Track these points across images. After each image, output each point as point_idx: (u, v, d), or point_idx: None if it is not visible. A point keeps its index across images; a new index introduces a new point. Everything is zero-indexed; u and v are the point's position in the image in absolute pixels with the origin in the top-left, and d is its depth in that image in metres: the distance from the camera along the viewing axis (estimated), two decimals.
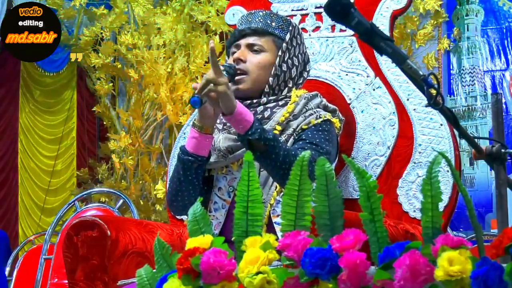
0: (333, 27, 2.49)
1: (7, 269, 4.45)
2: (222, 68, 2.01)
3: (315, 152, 1.95)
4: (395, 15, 2.42)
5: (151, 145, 6.06)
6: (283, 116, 2.06)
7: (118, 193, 4.41)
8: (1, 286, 4.24)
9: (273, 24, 2.13)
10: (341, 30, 2.46)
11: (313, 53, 2.48)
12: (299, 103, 2.09)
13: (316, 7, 2.51)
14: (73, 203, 3.95)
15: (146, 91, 5.98)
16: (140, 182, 5.95)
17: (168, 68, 5.76)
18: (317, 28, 2.51)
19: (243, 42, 2.13)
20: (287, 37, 2.13)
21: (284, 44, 2.12)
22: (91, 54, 6.11)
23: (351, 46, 2.44)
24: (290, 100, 2.10)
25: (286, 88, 2.13)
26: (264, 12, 2.16)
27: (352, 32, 2.39)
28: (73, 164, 7.16)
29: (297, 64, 2.15)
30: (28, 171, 7.19)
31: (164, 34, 5.78)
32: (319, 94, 2.18)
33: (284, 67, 2.12)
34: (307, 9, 2.53)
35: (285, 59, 2.12)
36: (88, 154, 7.09)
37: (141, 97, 6.04)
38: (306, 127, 2.05)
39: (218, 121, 2.12)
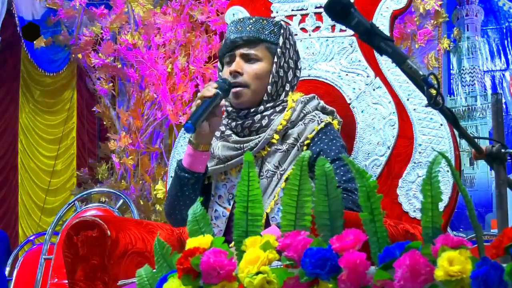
0: (333, 27, 2.48)
1: (7, 269, 4.44)
2: (215, 84, 2.00)
3: (343, 168, 1.98)
4: (395, 15, 2.42)
5: (151, 145, 6.06)
6: (281, 124, 2.04)
7: (118, 193, 4.40)
8: (1, 286, 4.24)
9: (265, 30, 2.09)
10: (341, 30, 2.46)
11: (313, 53, 2.47)
12: (296, 108, 2.07)
13: (316, 7, 2.51)
14: (73, 203, 3.95)
15: (146, 91, 5.98)
16: (140, 182, 5.96)
17: (168, 68, 5.76)
18: (317, 28, 2.51)
19: (237, 52, 2.08)
20: (280, 41, 2.10)
21: (279, 50, 2.09)
22: (91, 54, 6.10)
23: (351, 46, 2.44)
24: (287, 105, 2.08)
25: (284, 92, 2.11)
26: (254, 19, 2.12)
27: (352, 32, 2.38)
28: (73, 164, 7.16)
29: (292, 66, 2.13)
30: (28, 171, 7.20)
31: (164, 34, 5.78)
32: (316, 96, 2.17)
33: (281, 73, 2.10)
34: (307, 9, 2.53)
35: (281, 64, 2.10)
36: (88, 154, 7.09)
37: (141, 97, 6.04)
38: (311, 136, 2.04)
39: None
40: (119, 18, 6.04)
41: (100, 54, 6.05)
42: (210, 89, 1.98)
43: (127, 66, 6.06)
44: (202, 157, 2.02)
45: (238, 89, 2.05)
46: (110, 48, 6.05)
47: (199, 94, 1.99)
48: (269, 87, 2.08)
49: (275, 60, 2.09)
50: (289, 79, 2.12)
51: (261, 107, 2.07)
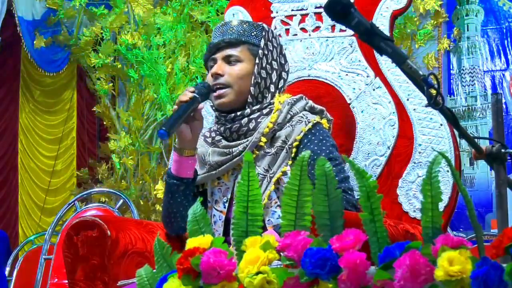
0: (333, 27, 2.49)
1: (7, 269, 4.45)
2: (192, 88, 2.00)
3: (335, 168, 1.94)
4: (395, 15, 2.42)
5: (151, 145, 6.06)
6: (267, 127, 2.03)
7: (118, 193, 4.41)
8: (1, 286, 4.24)
9: (246, 32, 2.10)
10: (341, 30, 2.46)
11: (313, 53, 2.47)
12: (283, 110, 2.06)
13: (316, 7, 2.51)
14: (73, 203, 3.95)
15: (146, 91, 5.98)
16: (140, 182, 5.96)
17: (168, 68, 5.76)
18: (317, 28, 2.51)
19: (219, 55, 2.09)
20: (262, 42, 2.10)
21: (260, 51, 2.09)
22: (91, 54, 6.11)
23: (351, 46, 2.44)
24: (273, 107, 2.07)
25: (270, 94, 2.10)
26: (236, 22, 2.14)
27: (352, 32, 2.38)
28: (73, 164, 7.16)
29: (276, 67, 2.13)
30: (28, 171, 7.20)
31: (164, 34, 5.78)
32: (303, 97, 2.15)
33: (264, 74, 2.09)
34: (307, 9, 2.53)
35: (263, 65, 2.09)
36: (88, 154, 7.09)
37: (141, 97, 6.04)
38: (299, 137, 2.02)
39: (207, 134, 2.12)
40: (119, 18, 6.04)
41: (100, 54, 6.05)
42: (186, 94, 1.98)
43: (127, 66, 6.06)
44: (188, 162, 2.03)
45: (221, 91, 2.06)
46: (110, 48, 6.05)
47: (176, 100, 1.99)
48: (252, 88, 2.07)
49: (257, 61, 2.09)
50: (273, 80, 2.11)
51: (248, 110, 2.06)
